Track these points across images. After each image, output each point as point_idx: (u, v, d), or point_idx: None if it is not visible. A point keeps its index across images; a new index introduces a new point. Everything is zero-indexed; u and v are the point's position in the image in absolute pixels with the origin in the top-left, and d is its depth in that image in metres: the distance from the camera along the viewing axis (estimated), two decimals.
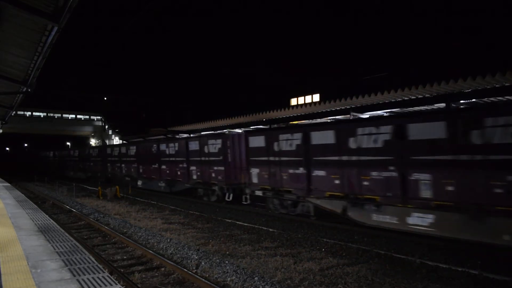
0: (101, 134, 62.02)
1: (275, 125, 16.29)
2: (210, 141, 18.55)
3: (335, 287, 6.91)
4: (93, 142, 62.51)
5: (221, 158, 17.82)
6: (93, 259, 5.73)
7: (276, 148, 14.13)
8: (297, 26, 64.85)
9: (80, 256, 5.88)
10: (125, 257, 9.35)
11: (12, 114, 19.26)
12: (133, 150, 27.89)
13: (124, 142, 31.95)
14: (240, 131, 18.50)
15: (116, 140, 54.58)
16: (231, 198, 17.40)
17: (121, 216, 15.06)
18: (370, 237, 10.87)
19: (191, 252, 9.08)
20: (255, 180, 15.34)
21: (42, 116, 59.52)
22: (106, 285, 4.61)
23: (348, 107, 14.31)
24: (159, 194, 23.38)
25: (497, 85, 11.00)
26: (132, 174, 27.95)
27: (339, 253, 9.28)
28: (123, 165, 29.54)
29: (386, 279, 7.22)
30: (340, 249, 9.62)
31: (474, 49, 30.83)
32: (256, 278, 7.06)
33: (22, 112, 55.54)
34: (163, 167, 23.16)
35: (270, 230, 12.08)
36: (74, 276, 4.90)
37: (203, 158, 19.14)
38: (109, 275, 5.05)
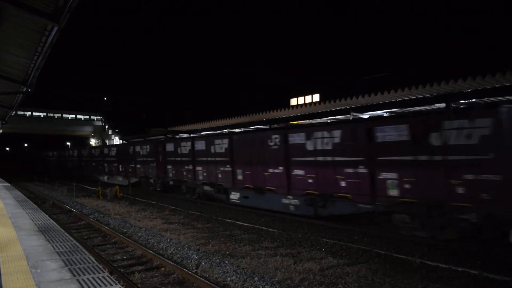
0: (101, 134, 62.08)
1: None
2: (450, 124, 9.29)
3: (335, 287, 6.92)
4: (93, 142, 62.50)
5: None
6: (93, 259, 5.73)
7: None
8: (297, 26, 64.97)
9: (80, 256, 5.88)
10: (125, 257, 9.34)
11: (12, 114, 19.30)
12: (222, 145, 17.86)
13: (200, 134, 23.09)
14: None
15: (116, 140, 54.23)
16: None
17: (121, 216, 15.06)
18: (370, 237, 10.86)
19: (191, 252, 9.08)
20: None
21: (42, 116, 59.62)
22: (106, 285, 4.61)
23: (348, 107, 14.34)
24: (159, 194, 23.22)
25: (497, 85, 11.02)
26: (217, 181, 18.30)
27: (339, 253, 9.28)
28: (198, 168, 19.82)
29: (386, 279, 7.22)
30: (340, 249, 9.61)
31: (474, 49, 30.89)
32: (256, 278, 7.06)
33: (22, 112, 55.68)
34: (298, 172, 13.81)
35: (270, 230, 12.08)
36: (74, 276, 4.90)
37: (422, 157, 9.95)
38: (109, 275, 5.05)
